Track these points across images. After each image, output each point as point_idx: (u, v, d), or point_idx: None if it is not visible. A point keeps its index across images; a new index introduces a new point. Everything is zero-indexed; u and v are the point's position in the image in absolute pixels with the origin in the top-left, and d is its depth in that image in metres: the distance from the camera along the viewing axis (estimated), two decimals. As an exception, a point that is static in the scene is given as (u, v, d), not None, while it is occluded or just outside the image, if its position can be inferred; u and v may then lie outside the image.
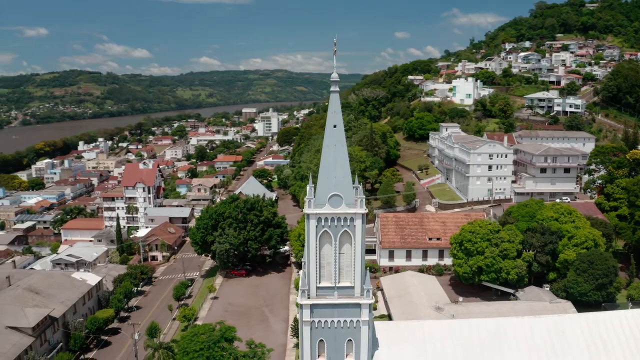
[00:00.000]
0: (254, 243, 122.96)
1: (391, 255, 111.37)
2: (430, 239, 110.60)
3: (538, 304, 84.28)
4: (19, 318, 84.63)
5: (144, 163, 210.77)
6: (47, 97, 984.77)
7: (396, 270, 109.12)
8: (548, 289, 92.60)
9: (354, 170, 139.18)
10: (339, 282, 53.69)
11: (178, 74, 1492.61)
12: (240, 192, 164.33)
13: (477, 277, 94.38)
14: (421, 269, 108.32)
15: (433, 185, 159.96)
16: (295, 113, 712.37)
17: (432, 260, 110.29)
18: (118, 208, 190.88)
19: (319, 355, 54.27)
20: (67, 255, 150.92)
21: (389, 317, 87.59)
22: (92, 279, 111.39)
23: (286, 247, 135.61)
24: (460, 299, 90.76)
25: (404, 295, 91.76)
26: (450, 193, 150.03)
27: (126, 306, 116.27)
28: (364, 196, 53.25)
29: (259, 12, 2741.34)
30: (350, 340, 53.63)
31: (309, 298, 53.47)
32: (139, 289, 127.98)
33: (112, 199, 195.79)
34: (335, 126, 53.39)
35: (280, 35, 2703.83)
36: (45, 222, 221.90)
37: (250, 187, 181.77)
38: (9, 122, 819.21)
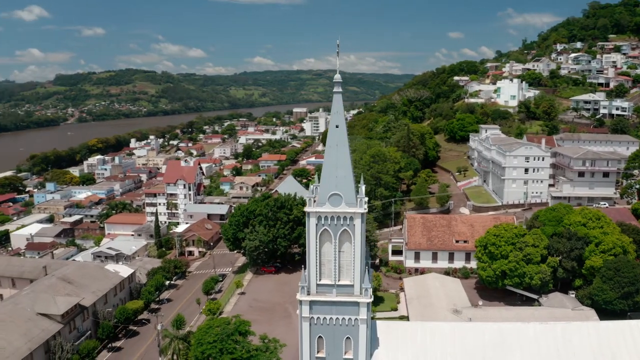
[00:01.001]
0: (283, 241, 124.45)
1: (417, 257, 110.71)
2: (457, 241, 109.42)
3: (559, 310, 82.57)
4: (50, 305, 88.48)
5: (185, 160, 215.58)
6: (103, 95, 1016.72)
7: (422, 271, 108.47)
8: (574, 295, 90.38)
9: (387, 170, 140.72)
10: (338, 280, 54.32)
11: (232, 74, 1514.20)
12: (276, 191, 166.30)
13: (501, 281, 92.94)
14: (447, 272, 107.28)
15: (469, 187, 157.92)
16: (345, 113, 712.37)
17: (458, 263, 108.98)
18: (159, 204, 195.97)
19: (318, 351, 55.05)
20: (107, 248, 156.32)
21: (408, 318, 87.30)
22: (124, 271, 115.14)
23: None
24: (480, 302, 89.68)
25: (424, 297, 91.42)
26: (486, 196, 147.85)
27: (157, 298, 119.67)
28: (365, 196, 53.60)
29: (313, 12, 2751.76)
30: (349, 337, 54.18)
31: (308, 294, 54.32)
32: (172, 282, 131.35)
33: (154, 195, 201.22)
34: (337, 126, 54.03)
35: (334, 35, 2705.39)
36: (92, 216, 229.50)
37: (287, 186, 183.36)
38: (65, 119, 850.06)
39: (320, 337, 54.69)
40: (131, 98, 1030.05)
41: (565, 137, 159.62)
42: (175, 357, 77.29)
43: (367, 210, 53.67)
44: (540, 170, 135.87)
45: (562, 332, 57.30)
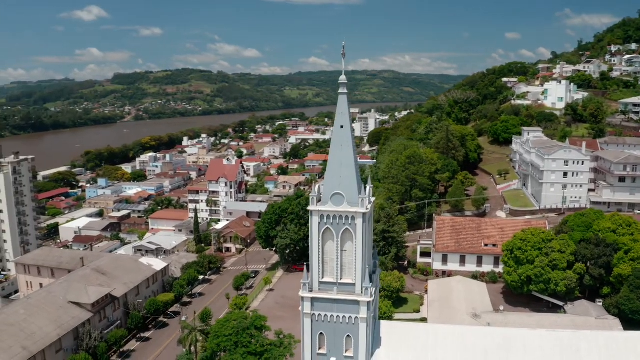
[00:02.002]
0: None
1: (445, 260, 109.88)
2: (486, 245, 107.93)
3: (582, 319, 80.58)
4: (81, 294, 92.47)
5: (228, 159, 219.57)
6: (160, 94, 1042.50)
7: (449, 274, 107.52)
8: (601, 304, 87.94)
9: (423, 172, 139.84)
10: (341, 278, 54.78)
11: (287, 74, 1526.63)
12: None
13: (526, 286, 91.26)
14: (475, 275, 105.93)
15: (508, 190, 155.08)
16: (396, 114, 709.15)
17: (486, 267, 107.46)
18: (200, 201, 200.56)
19: (320, 348, 55.80)
20: (148, 243, 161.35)
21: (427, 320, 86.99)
22: (158, 264, 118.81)
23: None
24: (502, 307, 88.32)
25: (446, 299, 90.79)
26: (524, 200, 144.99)
27: (190, 292, 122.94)
28: (366, 196, 53.91)
29: (369, 13, 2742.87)
30: (349, 336, 54.68)
31: (311, 291, 55.08)
32: (206, 277, 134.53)
33: (197, 192, 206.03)
34: (342, 127, 54.56)
35: (389, 36, 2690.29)
36: (139, 211, 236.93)
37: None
38: (122, 117, 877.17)
39: (321, 333, 55.28)
40: (187, 97, 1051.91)
41: (609, 141, 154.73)
42: (192, 348, 79.50)
43: (369, 210, 53.80)
44: (579, 174, 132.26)
45: (569, 340, 55.98)
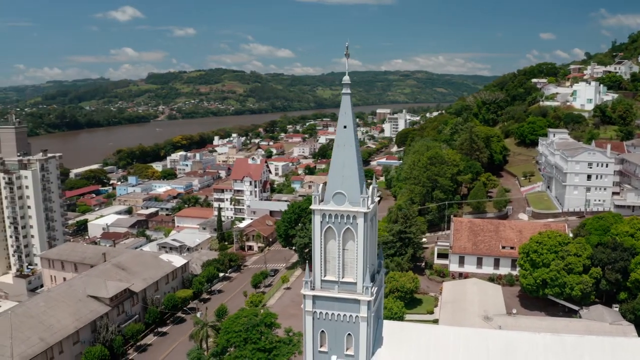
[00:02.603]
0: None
1: (461, 261, 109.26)
2: (503, 247, 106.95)
3: (596, 324, 79.34)
4: (100, 289, 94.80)
5: (253, 158, 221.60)
6: (193, 93, 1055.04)
7: (465, 276, 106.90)
8: (617, 309, 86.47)
9: (444, 173, 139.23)
10: (342, 277, 55.17)
11: (319, 74, 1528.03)
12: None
13: (542, 290, 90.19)
14: (492, 278, 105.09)
15: (532, 193, 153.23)
16: (427, 115, 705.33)
17: (504, 270, 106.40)
18: (225, 200, 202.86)
19: (321, 346, 56.36)
20: (172, 240, 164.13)
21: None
22: (178, 261, 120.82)
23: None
24: (514, 310, 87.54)
25: (459, 301, 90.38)
26: (547, 202, 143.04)
27: (210, 289, 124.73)
28: (367, 195, 54.17)
29: (402, 13, 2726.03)
30: (350, 334, 55.09)
31: (312, 289, 55.67)
32: (226, 274, 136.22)
33: (222, 191, 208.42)
34: (345, 127, 54.96)
35: (422, 36, 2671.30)
36: (167, 209, 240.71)
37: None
38: (156, 116, 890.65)
39: (323, 331, 55.78)
40: (220, 97, 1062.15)
41: (637, 143, 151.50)
42: (203, 342, 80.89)
43: (370, 210, 53.98)
44: (603, 177, 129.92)
45: (574, 345, 55.13)
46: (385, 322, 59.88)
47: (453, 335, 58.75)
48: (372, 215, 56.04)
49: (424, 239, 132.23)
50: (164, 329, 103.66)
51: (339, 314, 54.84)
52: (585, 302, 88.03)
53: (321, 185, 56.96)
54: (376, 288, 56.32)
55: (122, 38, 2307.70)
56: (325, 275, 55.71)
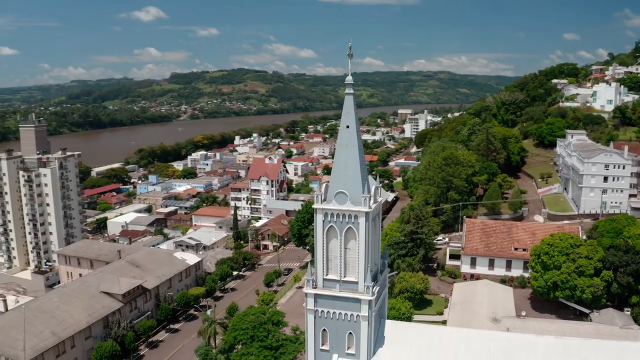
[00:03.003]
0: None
1: (473, 263, 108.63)
2: (516, 249, 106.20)
3: (606, 327, 78.60)
4: (113, 285, 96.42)
5: (270, 158, 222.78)
6: (216, 93, 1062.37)
7: (477, 277, 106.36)
8: (629, 313, 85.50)
9: (459, 174, 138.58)
10: (344, 276, 55.51)
11: (342, 74, 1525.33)
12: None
13: (552, 292, 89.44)
14: (503, 280, 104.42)
15: (548, 194, 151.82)
16: (449, 115, 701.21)
17: (516, 272, 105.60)
18: (242, 199, 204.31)
19: (323, 344, 56.77)
20: (188, 238, 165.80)
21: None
22: (191, 259, 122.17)
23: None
24: (523, 312, 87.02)
25: (468, 303, 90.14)
26: (564, 204, 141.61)
27: (223, 287, 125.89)
28: (369, 195, 54.43)
29: (425, 13, 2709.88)
30: (351, 333, 55.42)
31: (315, 288, 56.09)
32: (240, 273, 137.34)
33: (239, 190, 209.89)
34: (348, 127, 55.30)
35: (445, 36, 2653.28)
36: (186, 208, 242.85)
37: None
38: (178, 115, 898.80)
39: (324, 330, 56.18)
40: (242, 97, 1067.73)
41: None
42: (210, 339, 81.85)
43: (372, 209, 54.18)
44: (620, 179, 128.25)
45: (576, 348, 54.55)
46: (388, 322, 59.97)
47: (455, 335, 58.74)
48: (374, 215, 56.31)
49: (444, 239, 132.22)
50: (176, 326, 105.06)
51: (340, 313, 55.17)
52: (596, 305, 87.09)
53: (324, 185, 57.32)
54: (378, 288, 56.53)
55: (145, 38, 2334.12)
56: (327, 274, 56.07)
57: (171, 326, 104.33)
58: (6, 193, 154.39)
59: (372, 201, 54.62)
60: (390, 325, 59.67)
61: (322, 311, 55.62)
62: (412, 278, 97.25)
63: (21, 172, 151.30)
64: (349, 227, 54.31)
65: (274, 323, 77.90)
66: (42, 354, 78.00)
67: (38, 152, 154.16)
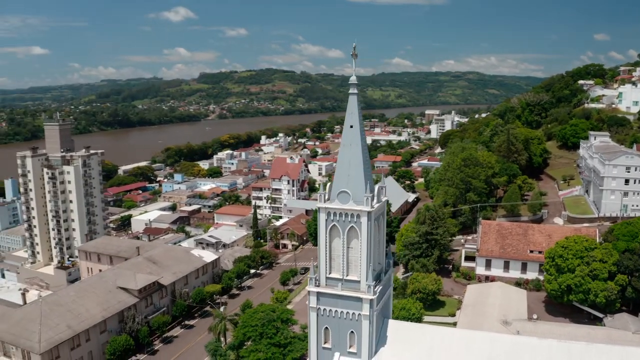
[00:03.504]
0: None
1: (488, 265, 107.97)
2: (531, 251, 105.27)
3: (618, 332, 77.51)
4: (129, 281, 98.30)
5: (291, 158, 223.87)
6: (244, 93, 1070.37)
7: (492, 280, 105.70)
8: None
9: (478, 175, 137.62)
10: (346, 275, 56.04)
11: (370, 75, 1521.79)
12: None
13: (566, 296, 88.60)
14: (518, 282, 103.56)
15: (569, 197, 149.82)
16: (476, 116, 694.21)
17: (531, 274, 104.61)
18: (262, 198, 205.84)
19: (325, 342, 57.32)
20: (209, 236, 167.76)
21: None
22: (208, 256, 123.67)
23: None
24: (535, 316, 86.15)
25: (480, 305, 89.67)
26: (584, 206, 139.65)
27: (240, 285, 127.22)
28: (372, 195, 54.75)
29: (454, 13, 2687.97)
30: (353, 332, 55.86)
31: (317, 286, 56.68)
32: (257, 271, 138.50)
33: (260, 189, 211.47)
34: (351, 127, 55.73)
35: (474, 37, 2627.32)
36: (209, 206, 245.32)
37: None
38: (207, 115, 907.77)
39: (327, 328, 56.72)
40: (270, 97, 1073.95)
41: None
42: (221, 335, 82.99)
43: (374, 209, 54.47)
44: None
45: (579, 353, 53.97)
46: (391, 322, 60.21)
47: (458, 337, 58.79)
48: (377, 215, 56.62)
49: (462, 240, 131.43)
50: (191, 322, 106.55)
51: (342, 312, 55.68)
52: (610, 309, 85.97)
53: (328, 184, 57.81)
54: (381, 287, 56.85)
55: (175, 38, 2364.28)
56: (330, 273, 56.67)
57: (186, 322, 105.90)
58: (31, 190, 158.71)
59: (375, 201, 55.02)
60: (394, 325, 59.95)
61: (325, 309, 56.23)
62: (424, 279, 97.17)
63: (45, 170, 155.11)
64: (351, 227, 54.80)
65: (283, 321, 78.67)
66: (56, 346, 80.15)
67: (62, 150, 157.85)
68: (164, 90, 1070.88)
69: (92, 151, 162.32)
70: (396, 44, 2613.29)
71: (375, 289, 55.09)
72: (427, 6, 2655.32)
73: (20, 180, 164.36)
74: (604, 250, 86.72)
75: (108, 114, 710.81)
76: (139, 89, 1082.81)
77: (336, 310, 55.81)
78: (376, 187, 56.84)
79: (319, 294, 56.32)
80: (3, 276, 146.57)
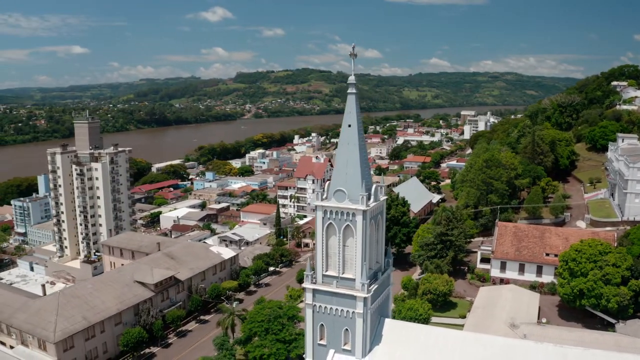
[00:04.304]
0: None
1: (503, 267, 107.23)
2: (547, 254, 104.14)
3: (627, 339, 76.24)
4: (146, 275, 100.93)
5: (317, 157, 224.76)
6: (280, 93, 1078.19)
7: (506, 282, 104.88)
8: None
9: (500, 176, 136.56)
10: (342, 272, 56.88)
11: (407, 75, 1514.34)
12: (392, 190, 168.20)
13: (579, 300, 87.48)
14: (533, 285, 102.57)
15: (594, 200, 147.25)
16: (512, 117, 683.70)
17: (546, 278, 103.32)
18: (287, 197, 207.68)
19: (320, 339, 58.25)
20: (232, 234, 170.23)
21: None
22: (227, 253, 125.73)
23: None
24: (544, 319, 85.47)
25: (489, 307, 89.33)
26: (608, 210, 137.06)
27: (258, 282, 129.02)
28: (367, 194, 55.38)
29: (493, 13, 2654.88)
30: (347, 329, 56.65)
31: (314, 283, 57.66)
32: (276, 269, 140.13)
33: (286, 188, 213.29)
34: (349, 126, 56.75)
35: (513, 37, 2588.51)
36: (237, 204, 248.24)
37: (408, 187, 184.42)
38: (242, 114, 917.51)
39: (322, 325, 57.64)
40: (306, 97, 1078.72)
41: None
42: (228, 330, 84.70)
43: (370, 208, 55.08)
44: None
45: (576, 358, 53.73)
46: (387, 321, 60.76)
47: (453, 338, 58.86)
48: (374, 214, 57.31)
49: (482, 241, 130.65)
50: (206, 317, 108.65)
51: (337, 309, 56.50)
52: (623, 315, 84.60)
53: (327, 182, 58.75)
54: (376, 286, 57.49)
55: (213, 38, 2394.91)
56: (326, 270, 57.56)
57: (201, 317, 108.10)
58: (60, 186, 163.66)
59: (371, 200, 55.74)
60: (391, 324, 60.54)
61: (320, 306, 57.16)
62: (435, 280, 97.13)
63: (74, 166, 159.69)
64: (347, 225, 55.62)
65: (289, 317, 79.85)
66: (71, 336, 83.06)
67: (91, 147, 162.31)
68: (201, 89, 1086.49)
69: (120, 149, 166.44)
70: (434, 44, 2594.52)
71: (370, 288, 55.81)
72: (466, 6, 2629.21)
73: (50, 176, 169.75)
74: (618, 254, 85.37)
75: (145, 112, 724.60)
76: (176, 88, 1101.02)
77: (331, 308, 56.66)
78: (373, 186, 57.51)
79: (315, 291, 57.30)
80: (32, 269, 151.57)
